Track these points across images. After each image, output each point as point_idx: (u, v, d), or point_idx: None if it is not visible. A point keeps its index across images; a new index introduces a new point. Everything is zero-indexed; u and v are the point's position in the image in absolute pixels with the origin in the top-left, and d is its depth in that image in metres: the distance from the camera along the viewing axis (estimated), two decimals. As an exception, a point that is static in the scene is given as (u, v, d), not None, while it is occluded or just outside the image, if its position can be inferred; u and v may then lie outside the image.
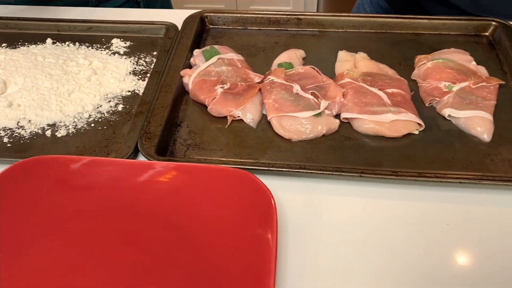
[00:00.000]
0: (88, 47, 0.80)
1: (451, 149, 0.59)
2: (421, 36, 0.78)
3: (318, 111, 0.63)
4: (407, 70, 0.71)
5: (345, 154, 0.60)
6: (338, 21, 0.80)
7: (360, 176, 0.55)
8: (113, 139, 0.64)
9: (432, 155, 0.58)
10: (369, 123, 0.61)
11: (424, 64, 0.69)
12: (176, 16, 0.83)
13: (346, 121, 0.63)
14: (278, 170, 0.56)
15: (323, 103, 0.64)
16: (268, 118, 0.63)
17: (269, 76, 0.68)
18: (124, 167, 0.55)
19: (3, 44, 0.81)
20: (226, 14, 0.82)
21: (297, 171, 0.55)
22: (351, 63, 0.71)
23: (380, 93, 0.64)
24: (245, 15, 0.82)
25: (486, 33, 0.77)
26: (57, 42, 0.81)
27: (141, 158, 0.60)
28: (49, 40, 0.81)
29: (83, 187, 0.54)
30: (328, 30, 0.80)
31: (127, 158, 0.59)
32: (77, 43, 0.81)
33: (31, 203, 0.53)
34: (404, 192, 0.55)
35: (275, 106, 0.64)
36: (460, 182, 0.54)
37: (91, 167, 0.55)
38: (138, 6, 1.04)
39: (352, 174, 0.55)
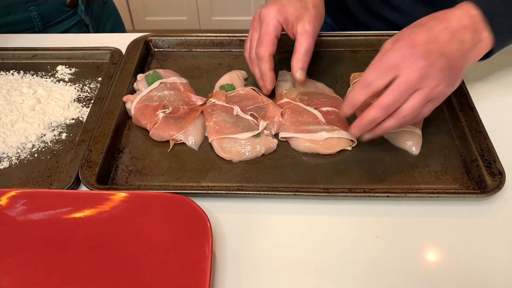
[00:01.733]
0: (33, 75, 0.80)
1: (382, 163, 0.62)
2: (358, 53, 0.82)
3: (257, 132, 0.65)
4: (344, 88, 0.74)
5: (283, 173, 0.62)
6: (279, 41, 0.83)
7: (295, 194, 0.57)
8: (56, 168, 0.64)
9: (364, 170, 0.61)
10: (305, 141, 0.63)
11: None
12: (124, 40, 0.84)
13: (284, 140, 0.66)
14: (216, 193, 0.58)
15: (262, 124, 0.66)
16: (209, 140, 0.65)
17: (210, 99, 0.70)
18: (62, 198, 0.55)
19: None
20: (171, 38, 0.84)
21: (235, 193, 0.57)
22: (290, 83, 0.73)
23: (316, 112, 0.67)
24: (190, 37, 0.84)
25: (418, 48, 0.81)
26: (1, 71, 0.81)
27: (83, 187, 0.61)
28: (-9, 70, 0.81)
29: (22, 220, 0.55)
30: (270, 49, 0.83)
31: (68, 188, 0.60)
32: (21, 71, 0.81)
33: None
34: (337, 208, 0.58)
35: (215, 128, 0.66)
36: (388, 196, 0.57)
37: (31, 199, 0.55)
38: (87, 29, 1.04)
39: (287, 193, 0.57)
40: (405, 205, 0.58)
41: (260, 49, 0.67)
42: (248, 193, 0.57)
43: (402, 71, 0.54)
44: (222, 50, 0.84)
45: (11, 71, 0.81)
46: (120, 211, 0.54)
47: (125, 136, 0.68)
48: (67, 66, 0.82)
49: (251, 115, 0.67)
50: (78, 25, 1.01)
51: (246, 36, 0.82)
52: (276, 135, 0.67)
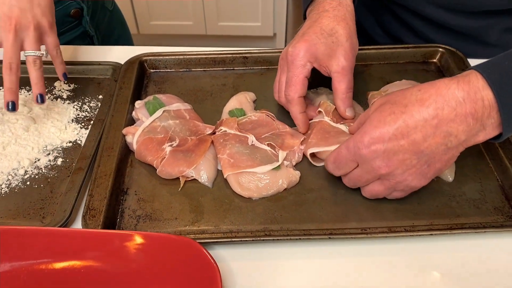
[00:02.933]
0: (29, 91, 0.73)
1: (416, 193, 0.57)
2: (371, 67, 0.77)
3: (277, 164, 0.59)
4: (361, 105, 0.69)
5: (310, 210, 0.56)
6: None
7: (329, 238, 0.51)
8: (50, 199, 0.58)
9: (398, 202, 0.56)
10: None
11: (378, 101, 0.67)
12: (127, 54, 0.76)
13: (312, 159, 0.61)
14: (242, 241, 0.51)
15: (281, 154, 0.60)
16: (225, 176, 0.59)
17: (221, 127, 0.64)
18: (56, 237, 0.48)
19: None
20: (167, 57, 0.76)
21: (263, 239, 0.51)
22: (324, 96, 0.68)
23: (344, 127, 0.62)
24: (188, 56, 0.76)
25: (434, 60, 0.77)
26: None
27: (79, 225, 0.54)
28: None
29: (12, 262, 0.47)
30: (275, 67, 0.76)
31: (62, 224, 0.53)
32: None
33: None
34: (373, 248, 0.53)
35: (230, 162, 0.59)
36: (431, 234, 0.51)
37: (22, 238, 0.48)
38: (91, 40, 0.96)
39: (320, 236, 0.51)
40: (449, 241, 0.53)
41: (289, 92, 0.61)
42: (278, 239, 0.51)
43: (360, 165, 0.51)
44: (225, 68, 0.77)
45: (5, 87, 0.73)
46: (122, 252, 0.47)
47: (128, 175, 0.61)
48: (65, 82, 0.74)
49: (269, 144, 0.61)
50: (82, 36, 0.93)
51: (250, 53, 0.77)
52: (296, 165, 0.61)
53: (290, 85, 0.61)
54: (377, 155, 0.49)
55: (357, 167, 0.52)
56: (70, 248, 0.48)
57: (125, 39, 1.14)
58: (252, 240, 0.51)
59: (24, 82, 0.73)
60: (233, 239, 0.51)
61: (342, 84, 0.61)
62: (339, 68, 0.61)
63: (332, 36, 0.61)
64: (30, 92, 0.72)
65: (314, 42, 0.60)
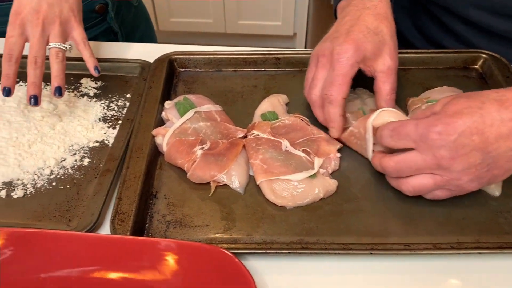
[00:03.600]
0: None
1: (460, 207, 0.54)
2: (409, 71, 0.73)
3: (313, 172, 0.56)
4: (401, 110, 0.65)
5: (347, 222, 0.53)
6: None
7: (371, 253, 0.48)
8: (76, 201, 0.56)
9: (442, 216, 0.53)
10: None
11: (419, 108, 0.64)
12: (153, 52, 0.74)
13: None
14: (277, 252, 0.49)
15: (317, 161, 0.57)
16: (258, 182, 0.56)
17: (253, 131, 0.61)
18: (85, 242, 0.46)
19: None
20: (197, 56, 0.74)
21: (300, 252, 0.49)
22: (359, 100, 0.65)
23: None
24: (218, 56, 0.74)
25: (476, 66, 0.73)
26: (21, 81, 0.72)
27: (107, 229, 0.52)
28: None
29: (40, 267, 0.45)
30: (309, 68, 0.74)
31: (90, 229, 0.51)
32: (43, 83, 0.71)
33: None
34: (416, 265, 0.50)
35: (263, 167, 0.57)
36: (480, 253, 0.48)
37: (50, 242, 0.46)
38: (115, 37, 0.95)
39: (361, 251, 0.48)
40: (497, 260, 0.50)
41: (332, 91, 0.57)
42: (316, 252, 0.48)
43: (419, 149, 0.48)
44: (256, 69, 0.74)
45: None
46: (153, 262, 0.45)
47: (157, 177, 0.59)
48: (92, 79, 0.73)
49: (304, 151, 0.58)
50: (106, 32, 0.92)
51: (282, 54, 0.74)
52: (332, 174, 0.58)
53: (335, 84, 0.57)
54: (445, 144, 0.46)
55: (412, 151, 0.49)
56: (99, 255, 0.46)
57: (149, 36, 1.12)
58: (289, 252, 0.49)
59: (50, 76, 0.71)
60: (268, 251, 0.49)
61: (386, 85, 0.58)
62: (385, 67, 0.58)
63: (378, 35, 0.58)
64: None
65: (362, 41, 0.57)
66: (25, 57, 0.62)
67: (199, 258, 0.45)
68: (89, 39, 0.89)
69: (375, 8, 0.60)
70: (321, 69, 0.60)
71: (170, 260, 0.45)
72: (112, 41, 0.95)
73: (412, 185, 0.50)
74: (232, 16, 2.23)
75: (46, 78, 0.71)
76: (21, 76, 0.71)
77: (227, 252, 0.45)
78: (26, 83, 0.69)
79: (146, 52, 0.77)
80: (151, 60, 0.73)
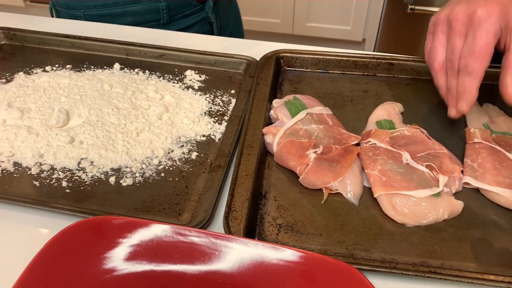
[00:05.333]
0: (159, 77, 0.71)
1: None
2: None
3: (438, 190, 0.52)
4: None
5: (474, 249, 0.49)
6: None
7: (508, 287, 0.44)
8: (185, 195, 0.54)
9: None
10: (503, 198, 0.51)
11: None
12: (251, 49, 0.73)
13: (469, 187, 0.53)
14: (402, 273, 0.45)
15: (442, 179, 0.53)
16: (375, 195, 0.53)
17: (369, 138, 0.58)
18: (205, 239, 0.44)
19: (68, 66, 0.73)
20: (305, 55, 0.71)
21: (428, 276, 0.45)
22: (487, 117, 0.60)
23: None
24: (327, 57, 0.71)
25: None
26: (125, 68, 0.72)
27: (217, 226, 0.50)
28: (117, 65, 0.73)
29: (153, 261, 0.44)
30: (424, 78, 0.69)
31: (203, 225, 0.49)
32: (147, 71, 0.72)
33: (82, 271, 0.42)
34: None
35: (382, 180, 0.53)
36: None
37: (166, 234, 0.44)
38: (211, 27, 0.96)
39: (500, 284, 0.44)
40: None
41: (473, 62, 0.51)
42: (446, 278, 0.44)
43: None
44: (366, 74, 0.71)
45: (136, 70, 0.72)
46: (273, 271, 0.43)
47: (266, 177, 0.57)
48: (196, 72, 0.72)
49: (427, 166, 0.54)
50: (203, 22, 0.93)
51: (396, 60, 0.70)
52: (455, 194, 0.54)
53: (477, 54, 0.51)
54: None
55: None
56: (214, 255, 0.44)
57: (238, 31, 1.11)
58: (416, 275, 0.45)
59: (156, 67, 0.72)
60: (392, 270, 0.45)
61: None
62: None
63: None
64: (160, 79, 0.70)
65: (507, 5, 0.50)
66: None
67: (322, 272, 0.42)
68: (186, 28, 0.91)
69: None
70: (456, 37, 0.53)
71: (292, 271, 0.43)
72: (207, 31, 0.95)
73: None
74: (301, 17, 2.21)
75: (146, 65, 0.72)
76: (126, 62, 0.72)
77: (356, 270, 0.41)
78: (131, 70, 0.70)
79: (242, 48, 0.75)
80: (250, 56, 0.72)
